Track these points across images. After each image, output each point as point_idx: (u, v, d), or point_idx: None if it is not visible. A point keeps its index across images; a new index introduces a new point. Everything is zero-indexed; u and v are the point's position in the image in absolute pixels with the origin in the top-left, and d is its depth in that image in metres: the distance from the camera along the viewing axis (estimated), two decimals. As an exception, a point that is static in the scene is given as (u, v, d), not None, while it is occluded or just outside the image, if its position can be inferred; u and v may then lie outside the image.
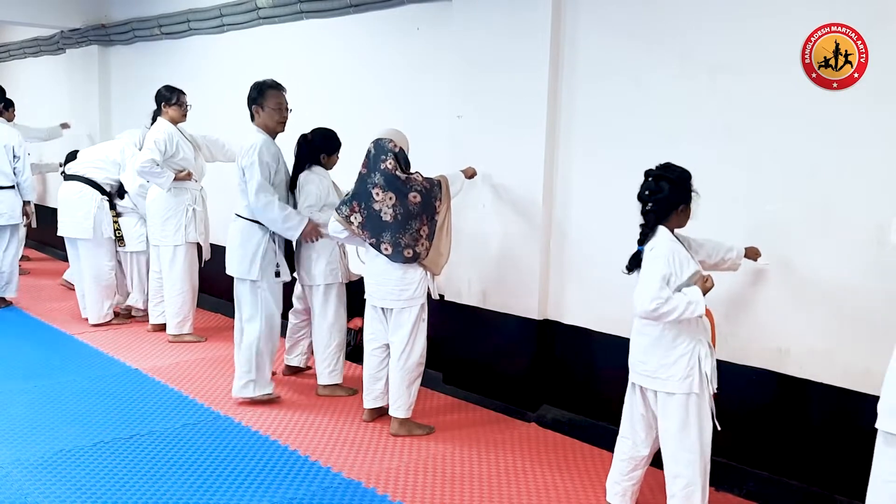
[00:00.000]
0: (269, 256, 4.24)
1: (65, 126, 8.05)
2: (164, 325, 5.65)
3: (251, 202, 4.14)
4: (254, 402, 4.31)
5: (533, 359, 4.22)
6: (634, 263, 2.92)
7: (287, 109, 4.31)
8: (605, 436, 3.69)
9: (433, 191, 3.82)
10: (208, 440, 3.81)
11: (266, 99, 4.25)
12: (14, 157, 6.42)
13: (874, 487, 2.37)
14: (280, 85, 4.31)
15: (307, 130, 4.47)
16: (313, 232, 4.24)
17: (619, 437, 3.12)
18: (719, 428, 2.93)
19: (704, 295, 2.81)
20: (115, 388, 4.53)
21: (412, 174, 3.80)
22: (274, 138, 4.29)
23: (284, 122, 4.32)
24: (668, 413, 2.88)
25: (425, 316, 3.94)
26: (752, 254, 3.26)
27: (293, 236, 4.24)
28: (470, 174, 4.21)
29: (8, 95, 7.61)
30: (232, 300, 6.42)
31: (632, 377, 3.02)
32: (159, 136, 5.26)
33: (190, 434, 3.88)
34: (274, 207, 4.14)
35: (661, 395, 2.90)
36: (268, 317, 4.29)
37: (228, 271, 4.33)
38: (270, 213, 4.15)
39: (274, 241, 4.25)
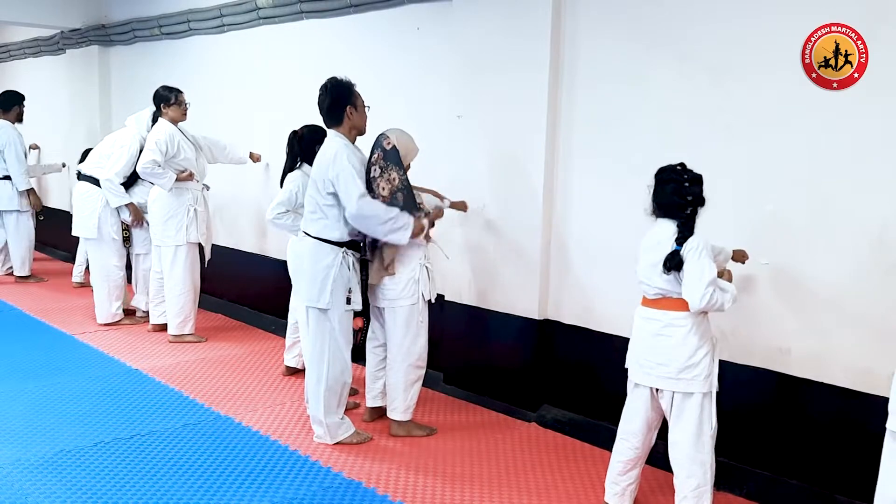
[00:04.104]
0: (340, 282, 3.70)
1: (33, 147, 8.21)
2: (165, 325, 5.65)
3: (353, 210, 3.58)
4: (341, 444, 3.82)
5: (533, 359, 4.22)
6: (674, 264, 2.87)
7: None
8: (605, 436, 3.69)
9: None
10: (208, 440, 3.81)
11: (356, 98, 3.73)
12: None
13: (883, 487, 2.35)
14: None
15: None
16: (420, 231, 3.74)
17: (618, 439, 3.12)
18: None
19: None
20: (115, 389, 4.53)
21: (390, 179, 3.70)
22: (354, 141, 3.79)
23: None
24: (685, 414, 2.90)
25: (423, 318, 3.89)
26: (738, 256, 3.27)
27: (403, 239, 3.68)
28: (460, 207, 4.24)
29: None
30: (236, 302, 6.43)
31: (641, 379, 3.00)
32: (160, 137, 5.26)
33: (190, 434, 3.88)
34: (377, 208, 3.61)
35: (677, 397, 2.91)
36: (334, 353, 3.75)
37: (298, 297, 3.91)
38: (374, 214, 3.60)
39: (347, 266, 3.73)
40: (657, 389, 2.97)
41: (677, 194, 2.91)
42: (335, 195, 3.64)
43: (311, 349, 3.78)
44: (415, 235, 3.70)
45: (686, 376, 2.87)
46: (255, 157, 5.91)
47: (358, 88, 3.76)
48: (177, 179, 5.30)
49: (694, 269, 2.83)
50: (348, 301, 3.74)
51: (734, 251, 3.26)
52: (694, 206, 2.91)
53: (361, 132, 3.80)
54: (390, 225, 3.64)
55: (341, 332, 3.75)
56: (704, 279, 2.80)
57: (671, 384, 2.91)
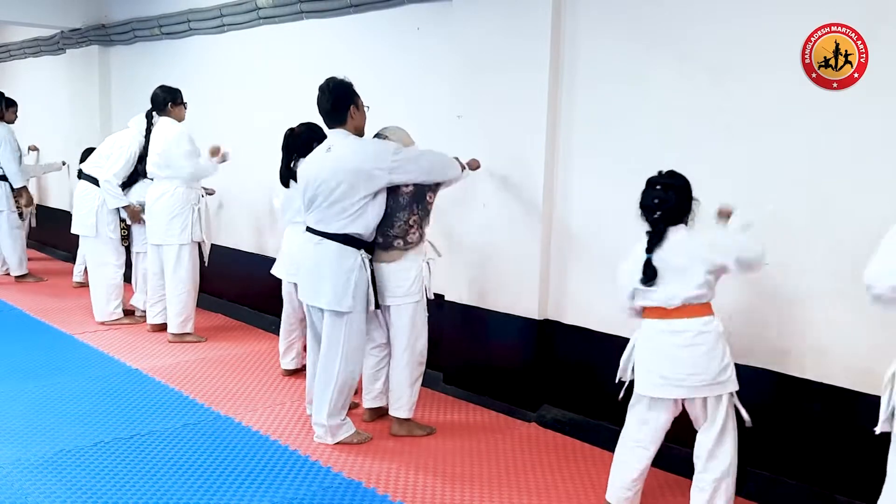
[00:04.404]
0: (361, 285, 3.68)
1: (32, 149, 8.20)
2: (163, 324, 5.65)
3: (427, 170, 3.70)
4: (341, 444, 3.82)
5: (533, 359, 4.22)
6: (652, 273, 2.88)
7: None
8: (605, 436, 3.69)
9: (427, 184, 3.79)
10: (208, 440, 3.81)
11: (357, 97, 3.74)
12: None
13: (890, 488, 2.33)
14: None
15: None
16: (476, 165, 4.05)
17: (632, 447, 3.07)
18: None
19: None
20: (115, 388, 4.53)
21: None
22: None
23: None
24: (718, 415, 2.90)
25: (426, 315, 3.92)
26: (724, 213, 3.07)
27: (458, 172, 3.86)
28: (475, 166, 4.11)
29: (9, 95, 7.65)
30: (236, 301, 6.41)
31: (668, 393, 2.93)
32: (185, 130, 5.36)
33: (190, 434, 3.88)
34: (436, 156, 3.80)
35: (711, 401, 2.90)
36: (347, 355, 3.74)
37: (312, 302, 3.79)
38: (441, 163, 3.78)
39: (364, 266, 3.70)
40: (683, 399, 2.94)
41: (648, 199, 2.91)
42: (370, 192, 3.61)
43: (325, 350, 3.76)
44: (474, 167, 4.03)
45: (722, 378, 2.87)
46: (213, 151, 5.55)
47: (358, 88, 3.76)
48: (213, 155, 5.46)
49: (724, 246, 2.83)
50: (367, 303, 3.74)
51: (720, 209, 3.08)
52: (663, 210, 2.87)
53: (361, 132, 3.79)
54: (451, 163, 3.83)
55: (357, 334, 3.75)
56: (736, 243, 2.83)
57: (708, 390, 2.87)
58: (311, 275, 3.77)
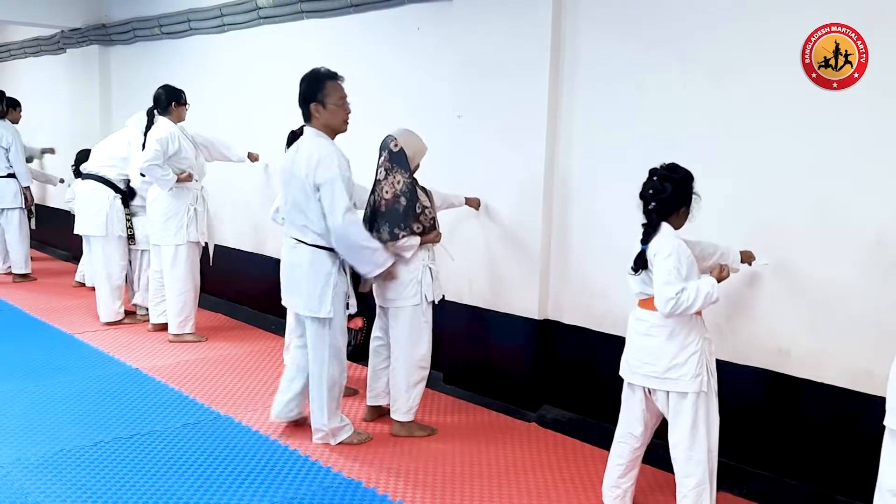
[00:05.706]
0: (340, 288, 3.63)
1: (48, 151, 8.23)
2: (165, 324, 5.65)
3: (338, 222, 3.46)
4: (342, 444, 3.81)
5: (533, 359, 4.22)
6: (640, 263, 2.92)
7: (348, 104, 3.63)
8: (605, 436, 3.68)
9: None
10: (208, 440, 3.81)
11: (328, 93, 3.52)
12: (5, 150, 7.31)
13: (883, 478, 2.32)
14: (338, 74, 3.59)
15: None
16: (389, 275, 3.70)
17: (616, 442, 3.12)
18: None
19: (719, 282, 2.86)
20: (115, 388, 4.53)
21: (394, 182, 3.71)
22: (333, 139, 3.64)
23: (347, 121, 3.63)
24: (681, 413, 2.89)
25: (426, 319, 3.88)
26: (746, 258, 3.27)
27: (370, 273, 3.62)
28: (473, 203, 4.25)
29: (9, 95, 7.65)
30: (236, 301, 6.41)
31: (631, 379, 3.01)
32: (161, 135, 5.25)
33: (190, 434, 3.88)
34: (361, 233, 3.54)
35: (673, 396, 2.90)
36: (333, 357, 3.73)
37: (290, 307, 3.83)
38: (356, 238, 3.52)
39: (344, 270, 3.66)
40: (649, 390, 2.97)
41: (644, 189, 2.93)
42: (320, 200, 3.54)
43: (312, 355, 3.76)
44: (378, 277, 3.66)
45: (672, 376, 2.87)
46: (253, 157, 5.90)
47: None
48: (177, 180, 5.29)
49: (658, 275, 2.83)
50: (347, 307, 3.73)
51: (742, 252, 3.25)
52: (657, 201, 2.89)
53: (337, 131, 3.63)
54: (367, 255, 3.56)
55: (340, 336, 3.75)
56: (668, 285, 2.79)
57: (657, 383, 2.91)
58: (288, 279, 3.74)
